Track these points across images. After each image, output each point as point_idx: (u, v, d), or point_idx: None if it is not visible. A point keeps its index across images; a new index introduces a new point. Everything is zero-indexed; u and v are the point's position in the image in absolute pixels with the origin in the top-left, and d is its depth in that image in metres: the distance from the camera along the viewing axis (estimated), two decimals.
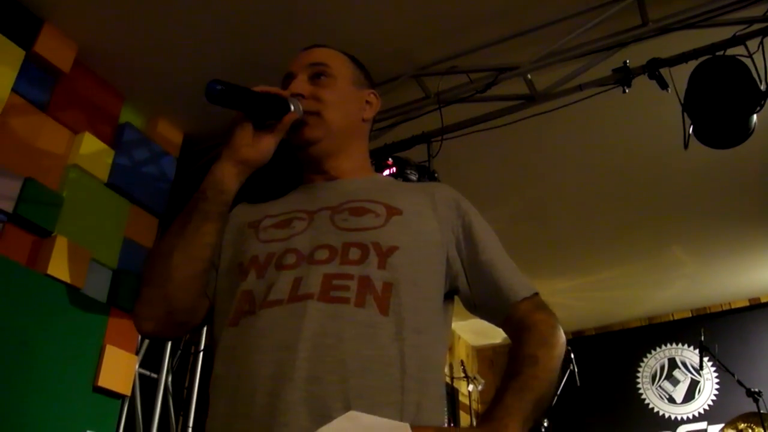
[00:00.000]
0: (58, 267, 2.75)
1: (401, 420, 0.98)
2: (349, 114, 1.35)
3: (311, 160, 1.32)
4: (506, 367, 1.14)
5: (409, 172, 3.28)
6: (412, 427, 0.95)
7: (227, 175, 1.19)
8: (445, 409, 1.14)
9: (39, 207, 2.75)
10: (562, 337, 1.20)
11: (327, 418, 0.96)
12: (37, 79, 2.90)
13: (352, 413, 0.94)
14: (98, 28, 3.01)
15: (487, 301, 1.25)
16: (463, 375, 5.90)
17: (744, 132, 2.64)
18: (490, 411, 1.04)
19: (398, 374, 1.03)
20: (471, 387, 5.96)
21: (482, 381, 6.09)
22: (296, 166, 1.39)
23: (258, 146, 1.21)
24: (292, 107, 1.22)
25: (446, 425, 1.12)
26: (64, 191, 2.90)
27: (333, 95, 1.32)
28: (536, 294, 1.25)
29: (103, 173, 3.10)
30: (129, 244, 3.16)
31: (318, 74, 1.33)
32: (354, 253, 1.12)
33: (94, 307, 2.91)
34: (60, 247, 2.77)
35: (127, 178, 3.21)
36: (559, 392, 5.03)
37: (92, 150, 3.06)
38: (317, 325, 1.03)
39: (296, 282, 1.09)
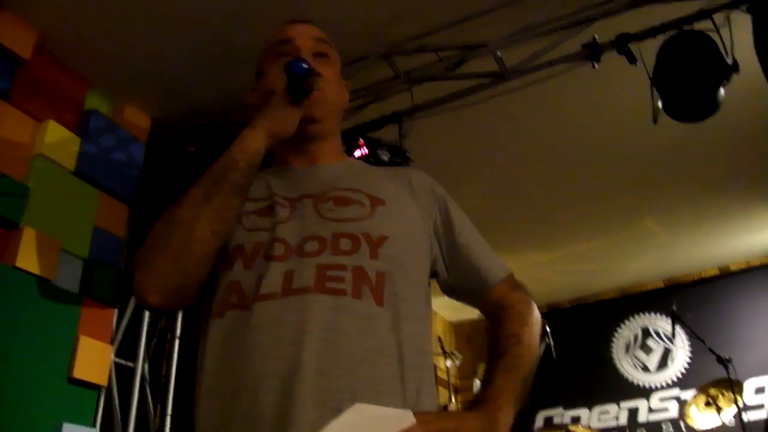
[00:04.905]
0: (27, 259, 2.70)
1: (404, 407, 1.01)
2: (341, 98, 1.37)
3: (303, 139, 1.28)
4: (490, 348, 1.19)
5: (380, 152, 3.27)
6: (415, 413, 0.97)
7: (262, 147, 1.16)
8: (437, 391, 1.16)
9: (4, 199, 2.69)
10: (538, 315, 1.26)
11: (336, 411, 0.96)
12: None
13: (358, 405, 0.95)
14: (58, 12, 2.92)
15: (464, 284, 1.29)
16: (440, 351, 5.94)
17: (712, 105, 2.67)
18: (483, 394, 1.08)
19: (398, 363, 1.05)
20: (449, 363, 6.00)
21: (459, 356, 6.13)
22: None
23: (290, 120, 1.19)
24: (316, 84, 1.21)
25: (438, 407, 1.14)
26: (29, 182, 2.84)
27: (334, 76, 1.33)
28: (511, 274, 1.30)
29: (69, 162, 3.04)
30: (99, 233, 3.11)
31: (322, 53, 1.32)
32: (345, 244, 1.12)
33: (66, 298, 2.87)
34: (28, 239, 2.72)
35: (95, 166, 3.15)
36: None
37: (57, 138, 3.00)
38: (319, 318, 1.03)
39: (288, 275, 1.08)
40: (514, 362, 1.14)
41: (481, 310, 1.30)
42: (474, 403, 1.07)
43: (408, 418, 0.96)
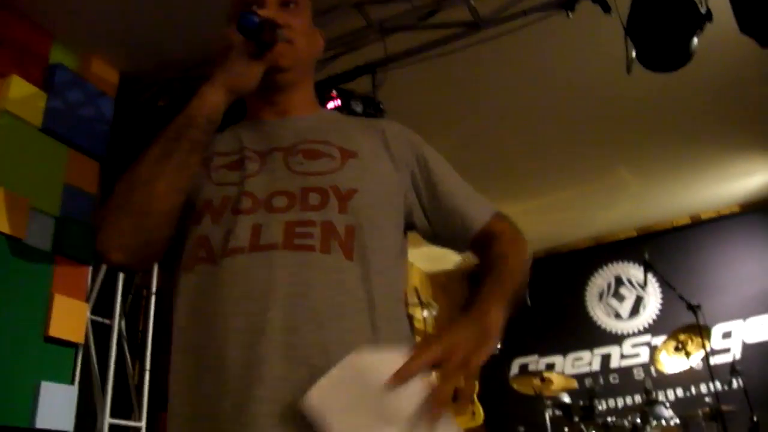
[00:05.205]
0: None
1: None
2: (311, 47, 1.33)
3: (272, 89, 1.26)
4: (480, 268, 1.19)
5: (353, 103, 3.24)
6: (411, 348, 0.95)
7: (221, 103, 1.14)
8: (414, 341, 1.16)
9: None
10: (526, 241, 1.28)
11: (306, 366, 0.97)
12: None
13: (350, 358, 0.92)
14: None
15: (449, 232, 1.27)
16: (417, 301, 6.01)
17: (685, 55, 2.67)
18: (470, 302, 1.06)
19: (369, 316, 1.05)
20: (426, 313, 6.08)
21: (436, 306, 6.22)
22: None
23: (251, 74, 1.16)
24: (280, 36, 1.17)
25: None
26: None
27: (303, 26, 1.29)
28: (498, 212, 1.29)
29: (36, 118, 2.96)
30: (70, 191, 3.06)
31: (288, 2, 1.28)
32: (314, 198, 1.11)
33: (39, 257, 2.84)
34: None
35: (63, 121, 3.09)
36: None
37: (22, 94, 2.92)
38: (286, 274, 1.02)
39: (256, 229, 1.07)
40: (502, 275, 1.14)
41: (471, 252, 1.28)
42: (463, 310, 1.05)
43: (399, 358, 0.92)
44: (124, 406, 3.21)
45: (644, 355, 5.69)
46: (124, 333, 3.31)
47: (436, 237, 1.29)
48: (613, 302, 6.02)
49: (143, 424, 3.20)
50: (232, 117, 1.28)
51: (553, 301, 6.01)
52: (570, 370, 5.83)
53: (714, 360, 4.48)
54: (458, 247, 1.31)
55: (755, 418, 4.12)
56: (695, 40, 2.61)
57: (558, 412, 4.53)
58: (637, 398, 5.42)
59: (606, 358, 5.84)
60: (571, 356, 5.97)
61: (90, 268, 3.12)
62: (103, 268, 3.19)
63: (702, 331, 4.35)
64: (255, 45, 1.14)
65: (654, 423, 4.13)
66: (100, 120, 3.29)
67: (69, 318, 2.89)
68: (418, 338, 5.88)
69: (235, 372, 0.97)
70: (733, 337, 5.41)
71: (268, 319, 0.99)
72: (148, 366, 3.31)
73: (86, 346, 3.03)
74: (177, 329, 1.09)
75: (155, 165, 1.08)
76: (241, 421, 0.95)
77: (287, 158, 1.18)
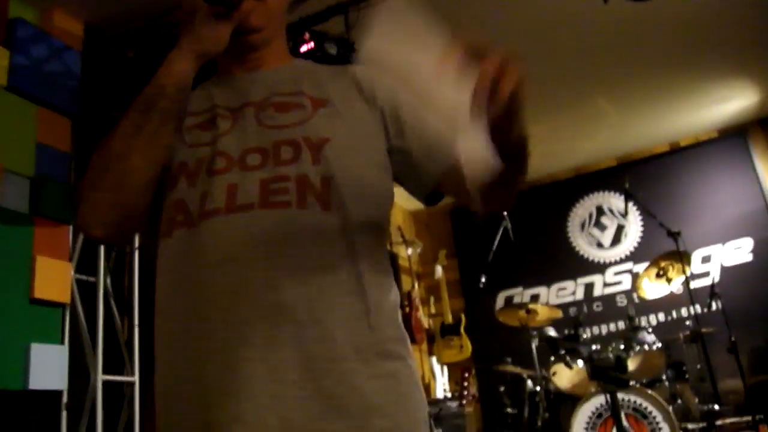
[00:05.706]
0: None
1: (365, 305, 1.03)
2: (282, 0, 1.28)
3: (245, 48, 1.22)
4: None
5: (327, 46, 3.17)
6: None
7: (189, 69, 1.11)
8: (397, 284, 1.17)
9: None
10: None
11: (290, 323, 0.97)
12: None
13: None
14: None
15: (416, 169, 1.18)
16: (401, 240, 6.05)
17: None
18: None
19: (352, 265, 1.05)
20: (410, 251, 6.13)
21: (420, 244, 6.27)
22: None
23: (219, 37, 1.12)
24: None
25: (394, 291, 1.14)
26: None
27: None
28: None
29: (0, 76, 2.87)
30: (43, 150, 2.99)
31: None
32: (286, 152, 1.09)
33: (17, 219, 2.80)
34: None
35: (29, 78, 3.00)
36: (494, 249, 5.25)
37: None
38: (264, 233, 1.02)
39: (231, 188, 1.06)
40: None
41: (440, 186, 1.18)
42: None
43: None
44: (116, 362, 3.23)
45: (626, 283, 5.80)
46: (111, 290, 3.31)
47: (398, 176, 1.21)
48: (595, 231, 6.09)
49: (136, 378, 3.23)
50: (203, 74, 1.25)
51: (536, 233, 6.05)
52: (554, 300, 5.94)
53: (694, 284, 4.58)
54: (428, 180, 1.19)
55: (733, 338, 4.27)
56: None
57: (544, 343, 4.64)
58: (621, 325, 5.54)
59: (589, 287, 5.95)
60: (554, 286, 6.06)
61: (71, 227, 3.08)
62: None
63: (682, 257, 4.44)
64: (221, 5, 1.10)
65: (637, 348, 4.24)
66: (68, 75, 3.20)
67: (53, 278, 2.88)
68: (404, 276, 5.95)
69: (220, 334, 0.98)
70: (712, 261, 5.52)
71: (250, 279, 0.99)
72: (136, 321, 3.32)
73: (73, 305, 3.03)
74: (159, 293, 1.10)
75: (128, 139, 1.06)
76: (229, 382, 0.96)
77: (258, 113, 1.16)
